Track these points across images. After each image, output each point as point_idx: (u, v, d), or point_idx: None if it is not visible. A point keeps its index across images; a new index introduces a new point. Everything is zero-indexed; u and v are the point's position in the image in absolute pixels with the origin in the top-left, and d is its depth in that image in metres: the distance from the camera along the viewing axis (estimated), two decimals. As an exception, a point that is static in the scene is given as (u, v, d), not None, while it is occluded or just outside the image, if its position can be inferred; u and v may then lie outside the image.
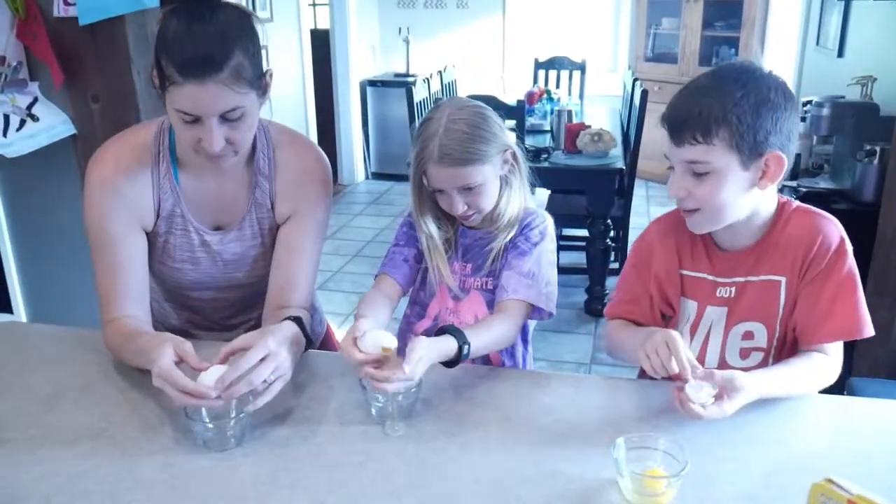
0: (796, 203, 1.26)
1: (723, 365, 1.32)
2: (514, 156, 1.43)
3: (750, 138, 1.13)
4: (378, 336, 1.19)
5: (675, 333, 1.14)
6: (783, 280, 1.24)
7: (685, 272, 1.34)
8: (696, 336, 1.35)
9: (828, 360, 1.23)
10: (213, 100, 1.18)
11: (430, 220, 1.46)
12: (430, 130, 1.37)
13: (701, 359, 1.33)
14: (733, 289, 1.29)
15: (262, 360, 1.13)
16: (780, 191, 1.25)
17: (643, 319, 1.37)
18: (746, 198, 1.19)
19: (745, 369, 1.22)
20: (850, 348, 2.41)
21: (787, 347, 1.30)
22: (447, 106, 1.40)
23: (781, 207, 1.26)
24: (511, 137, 1.45)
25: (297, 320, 1.28)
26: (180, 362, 1.14)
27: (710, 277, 1.31)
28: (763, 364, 1.29)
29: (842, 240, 1.21)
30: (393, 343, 1.18)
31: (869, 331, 1.22)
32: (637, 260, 1.40)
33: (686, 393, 1.09)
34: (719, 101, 1.12)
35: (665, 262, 1.35)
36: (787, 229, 1.24)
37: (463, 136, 1.35)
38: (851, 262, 1.21)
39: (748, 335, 1.29)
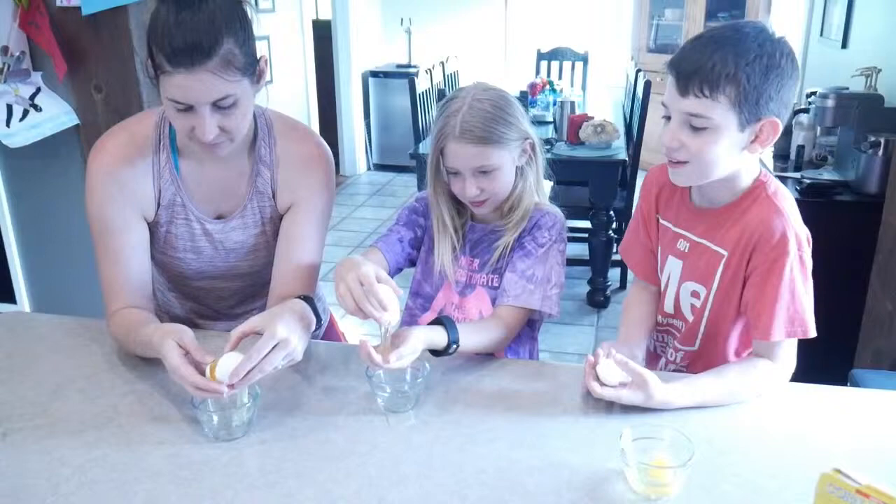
0: (773, 188, 1.24)
1: (678, 316, 1.38)
2: (532, 147, 1.42)
3: (753, 100, 1.12)
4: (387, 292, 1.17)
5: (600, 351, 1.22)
6: (725, 255, 1.26)
7: (660, 219, 1.39)
8: (665, 286, 1.39)
9: (772, 368, 1.22)
10: (204, 88, 1.18)
11: (444, 204, 1.46)
12: (453, 108, 1.37)
13: (663, 309, 1.40)
14: (688, 245, 1.32)
15: (273, 347, 1.13)
16: (784, 182, 1.25)
17: (639, 269, 1.47)
18: (735, 158, 1.19)
19: (696, 325, 1.33)
20: (853, 340, 2.43)
21: (723, 324, 1.31)
22: (473, 87, 1.40)
23: (757, 185, 1.24)
24: (532, 128, 1.43)
25: (307, 299, 1.28)
26: (187, 353, 1.14)
27: (674, 228, 1.35)
28: (695, 324, 1.33)
29: (784, 238, 1.18)
30: (396, 317, 1.18)
31: (804, 333, 1.21)
32: (638, 205, 1.46)
33: (596, 369, 1.18)
34: (732, 57, 1.10)
35: (647, 207, 1.41)
36: (749, 211, 1.23)
37: (486, 114, 1.34)
38: (796, 261, 1.18)
39: (695, 294, 1.32)
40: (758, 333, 1.23)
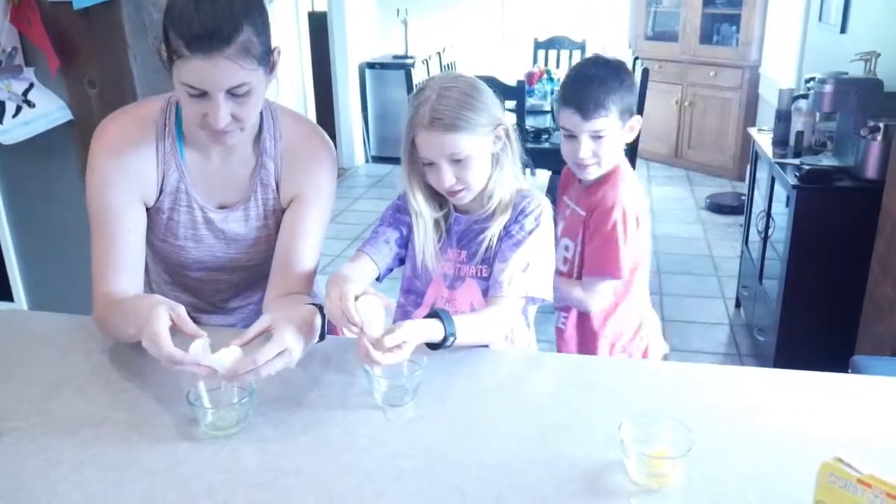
0: (623, 172, 1.65)
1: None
2: (506, 133, 1.40)
3: (626, 107, 1.59)
4: (371, 305, 1.19)
5: None
6: (584, 216, 1.67)
7: (564, 197, 1.79)
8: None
9: (586, 298, 1.65)
10: (220, 75, 1.17)
11: (420, 195, 1.44)
12: (422, 97, 1.36)
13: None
14: (570, 211, 1.73)
15: (277, 354, 1.13)
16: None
17: None
18: (621, 148, 1.65)
19: (569, 275, 1.71)
20: (854, 326, 2.42)
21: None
22: (442, 76, 1.40)
23: (614, 171, 1.65)
24: (505, 115, 1.42)
25: (321, 309, 1.27)
26: (173, 326, 1.14)
27: (566, 200, 1.77)
28: (569, 274, 1.71)
29: (612, 207, 1.59)
30: (382, 318, 1.19)
31: (610, 274, 1.61)
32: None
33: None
34: (604, 90, 1.56)
35: (559, 194, 1.83)
36: (603, 185, 1.64)
37: (455, 102, 1.33)
38: (619, 223, 1.58)
39: (566, 248, 1.72)
40: (586, 272, 1.65)
